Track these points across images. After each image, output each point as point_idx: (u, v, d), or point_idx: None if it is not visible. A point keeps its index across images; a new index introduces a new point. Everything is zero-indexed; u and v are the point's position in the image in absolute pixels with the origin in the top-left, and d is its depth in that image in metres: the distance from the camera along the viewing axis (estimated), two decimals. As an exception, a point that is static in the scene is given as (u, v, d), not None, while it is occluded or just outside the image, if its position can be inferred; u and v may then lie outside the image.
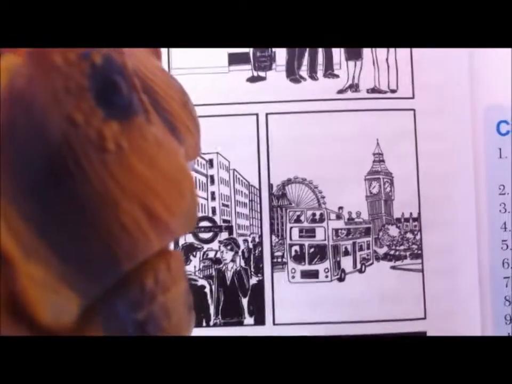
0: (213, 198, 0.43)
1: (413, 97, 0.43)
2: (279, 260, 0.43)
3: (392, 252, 0.43)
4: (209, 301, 0.42)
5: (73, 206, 0.16)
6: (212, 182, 0.43)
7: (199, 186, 0.43)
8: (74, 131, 0.15)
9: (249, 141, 0.43)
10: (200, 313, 0.42)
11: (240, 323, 0.42)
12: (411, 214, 0.43)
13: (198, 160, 0.43)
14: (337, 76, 0.43)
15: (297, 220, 0.43)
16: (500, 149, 0.43)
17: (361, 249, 0.43)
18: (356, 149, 0.43)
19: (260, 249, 0.42)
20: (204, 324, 0.42)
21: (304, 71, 0.43)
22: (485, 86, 0.43)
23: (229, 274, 0.42)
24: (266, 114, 0.43)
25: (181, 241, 0.43)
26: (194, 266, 0.42)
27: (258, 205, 0.43)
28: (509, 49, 0.42)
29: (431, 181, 0.42)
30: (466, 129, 0.43)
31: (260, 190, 0.43)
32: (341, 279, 0.42)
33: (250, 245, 0.42)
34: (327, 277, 0.43)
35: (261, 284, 0.42)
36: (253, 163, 0.43)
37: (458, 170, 0.42)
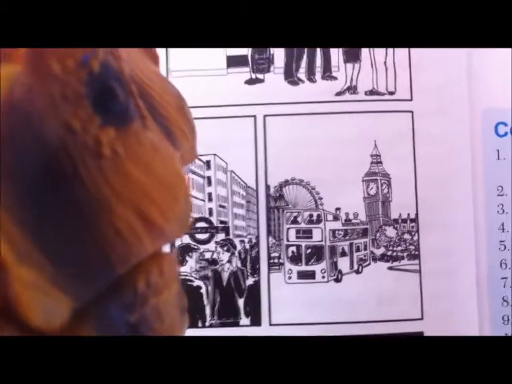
0: (210, 199, 0.43)
1: (411, 99, 0.43)
2: (276, 260, 0.43)
3: (389, 253, 0.43)
4: (205, 301, 0.42)
5: (68, 210, 0.16)
6: (209, 183, 0.43)
7: (196, 188, 0.43)
8: (71, 137, 0.15)
9: (246, 142, 0.43)
10: (196, 314, 0.42)
11: (236, 324, 0.42)
12: (408, 215, 0.43)
13: (195, 162, 0.43)
14: (335, 78, 0.43)
15: (294, 221, 0.43)
16: (498, 151, 0.43)
17: (358, 250, 0.43)
18: (353, 151, 0.43)
19: (256, 250, 0.42)
20: (200, 324, 0.42)
21: (302, 73, 0.43)
22: (483, 87, 0.43)
23: (225, 275, 0.42)
24: (264, 116, 0.43)
25: (178, 242, 0.43)
26: (191, 267, 0.42)
27: (255, 206, 0.43)
28: (508, 49, 0.42)
29: (429, 182, 0.42)
30: (464, 131, 0.43)
31: (257, 191, 0.43)
32: (337, 280, 0.42)
33: (247, 246, 0.42)
34: (323, 277, 0.43)
35: (257, 284, 0.42)
36: (250, 164, 0.43)
37: (457, 171, 0.42)
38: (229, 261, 0.42)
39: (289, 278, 0.42)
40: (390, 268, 0.42)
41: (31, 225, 0.15)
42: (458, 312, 0.42)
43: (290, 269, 0.43)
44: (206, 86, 0.43)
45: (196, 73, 0.43)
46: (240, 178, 0.43)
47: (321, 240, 0.43)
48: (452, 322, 0.42)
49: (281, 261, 0.42)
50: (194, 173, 0.43)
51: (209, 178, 0.43)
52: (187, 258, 0.42)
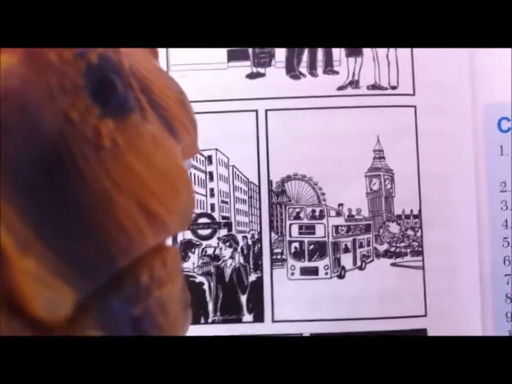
0: (212, 195, 0.43)
1: (413, 94, 0.43)
2: (279, 256, 0.42)
3: (392, 249, 0.43)
4: (208, 297, 0.42)
5: (69, 202, 0.16)
6: (211, 178, 0.43)
7: (198, 183, 0.43)
8: (70, 129, 0.15)
9: (248, 137, 0.42)
10: (198, 310, 0.42)
11: (239, 320, 0.42)
12: (412, 211, 0.43)
13: (197, 157, 0.43)
14: (337, 73, 0.43)
15: (297, 217, 0.43)
16: (501, 146, 0.42)
17: (361, 246, 0.43)
18: (356, 146, 0.43)
19: (259, 246, 0.42)
20: (203, 320, 0.42)
21: (303, 68, 0.43)
22: (486, 83, 0.43)
23: (227, 271, 0.42)
24: (266, 110, 0.42)
25: (180, 238, 0.43)
26: (193, 263, 0.42)
27: (258, 202, 0.43)
28: (509, 49, 0.42)
29: (431, 178, 0.42)
30: (467, 126, 0.42)
31: (259, 186, 0.43)
32: (340, 276, 0.42)
33: (250, 242, 0.42)
34: (326, 274, 0.42)
35: (260, 280, 0.42)
36: (252, 160, 0.43)
37: (459, 167, 0.42)
38: (232, 257, 0.42)
39: (292, 274, 0.42)
40: (393, 264, 0.42)
41: (33, 217, 0.15)
42: (461, 309, 0.42)
43: (293, 265, 0.42)
44: (206, 80, 0.43)
45: (196, 67, 0.43)
46: (242, 174, 0.43)
47: (324, 236, 0.43)
48: (455, 319, 0.42)
49: (284, 257, 0.42)
50: (196, 168, 0.43)
51: (211, 173, 0.43)
52: (189, 254, 0.42)
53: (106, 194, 0.16)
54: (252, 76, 0.43)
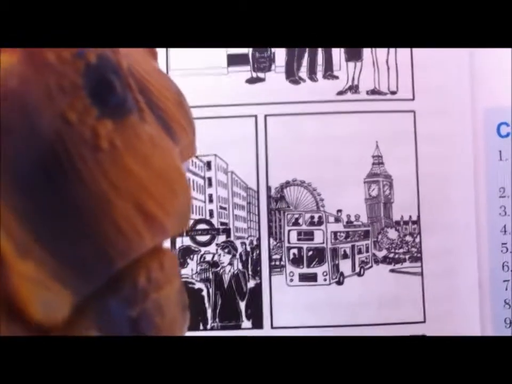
0: (211, 201, 0.43)
1: (413, 99, 0.43)
2: (277, 263, 0.42)
3: (391, 255, 0.43)
4: (207, 304, 0.42)
5: (66, 204, 0.15)
6: (210, 184, 0.43)
7: (197, 189, 0.43)
8: (68, 129, 0.15)
9: (247, 142, 0.42)
10: (197, 317, 0.42)
11: (238, 326, 0.42)
12: (410, 217, 0.42)
13: (195, 162, 0.43)
14: (336, 77, 0.43)
15: (296, 223, 0.43)
16: (500, 151, 0.42)
17: (360, 252, 0.43)
18: (355, 151, 0.42)
19: (257, 252, 0.42)
20: (201, 327, 0.42)
21: (303, 72, 0.43)
22: (485, 87, 0.43)
23: (226, 278, 0.42)
24: (265, 115, 0.42)
25: (178, 244, 0.42)
26: (192, 269, 0.42)
27: (256, 208, 0.42)
28: (509, 49, 0.42)
29: (430, 184, 0.42)
30: (466, 131, 0.42)
31: (258, 192, 0.42)
32: (339, 283, 0.42)
33: (248, 248, 0.42)
34: (325, 280, 0.42)
35: (258, 287, 0.42)
36: (251, 165, 0.42)
37: (458, 172, 0.42)
38: (230, 263, 0.42)
39: (291, 280, 0.42)
40: (392, 271, 0.42)
41: (30, 219, 0.15)
42: (460, 314, 0.42)
43: (291, 272, 0.42)
44: (206, 85, 0.43)
45: (196, 72, 0.43)
46: (241, 179, 0.43)
47: (323, 242, 0.43)
48: (454, 325, 0.42)
49: (282, 263, 0.42)
50: (194, 174, 0.43)
51: (209, 179, 0.43)
52: (188, 260, 0.42)
53: (104, 196, 0.16)
54: (251, 80, 0.43)
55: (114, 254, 0.16)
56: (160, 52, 0.22)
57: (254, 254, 0.42)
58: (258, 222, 0.42)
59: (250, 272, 0.42)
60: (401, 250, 0.42)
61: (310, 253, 0.43)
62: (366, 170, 0.43)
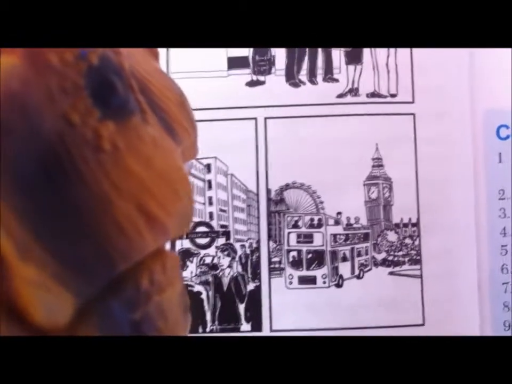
0: (210, 203, 0.43)
1: (412, 102, 0.43)
2: (277, 265, 0.42)
3: (390, 258, 0.43)
4: (206, 307, 0.42)
5: (68, 205, 0.16)
6: (209, 187, 0.43)
7: (197, 191, 0.43)
8: (70, 130, 0.15)
9: (247, 145, 0.42)
10: (196, 319, 0.42)
11: (237, 329, 0.42)
12: (410, 219, 0.42)
13: (195, 165, 0.43)
14: (336, 80, 0.43)
15: (295, 225, 0.43)
16: (500, 154, 0.42)
17: (359, 255, 0.43)
18: (355, 154, 0.42)
19: (257, 254, 0.42)
20: (200, 330, 0.42)
21: (303, 75, 0.43)
22: (485, 90, 0.43)
23: (225, 280, 0.42)
24: (265, 118, 0.42)
25: (178, 247, 0.42)
26: (191, 272, 0.42)
27: (256, 210, 0.42)
28: (509, 49, 0.42)
29: (430, 186, 0.42)
30: (466, 134, 0.42)
31: (257, 195, 0.42)
32: (338, 285, 0.42)
33: (248, 251, 0.42)
34: (324, 283, 0.42)
35: (258, 289, 0.42)
36: (251, 168, 0.42)
37: (458, 175, 0.42)
38: (230, 266, 0.42)
39: (290, 283, 0.42)
40: (391, 273, 0.42)
41: (32, 220, 0.15)
42: (459, 317, 0.42)
43: (291, 274, 0.42)
44: (206, 88, 0.43)
45: (196, 74, 0.43)
46: (241, 182, 0.43)
47: (322, 245, 0.43)
48: (453, 328, 0.41)
49: (282, 265, 0.42)
50: (194, 176, 0.43)
51: (209, 182, 0.43)
52: (187, 263, 0.42)
53: (106, 197, 0.16)
54: (251, 83, 0.43)
55: (116, 255, 0.16)
56: (161, 54, 0.22)
57: (254, 257, 0.42)
58: (258, 225, 0.42)
59: (249, 275, 0.42)
60: (400, 253, 0.42)
61: (310, 255, 0.43)
62: (365, 173, 0.43)
